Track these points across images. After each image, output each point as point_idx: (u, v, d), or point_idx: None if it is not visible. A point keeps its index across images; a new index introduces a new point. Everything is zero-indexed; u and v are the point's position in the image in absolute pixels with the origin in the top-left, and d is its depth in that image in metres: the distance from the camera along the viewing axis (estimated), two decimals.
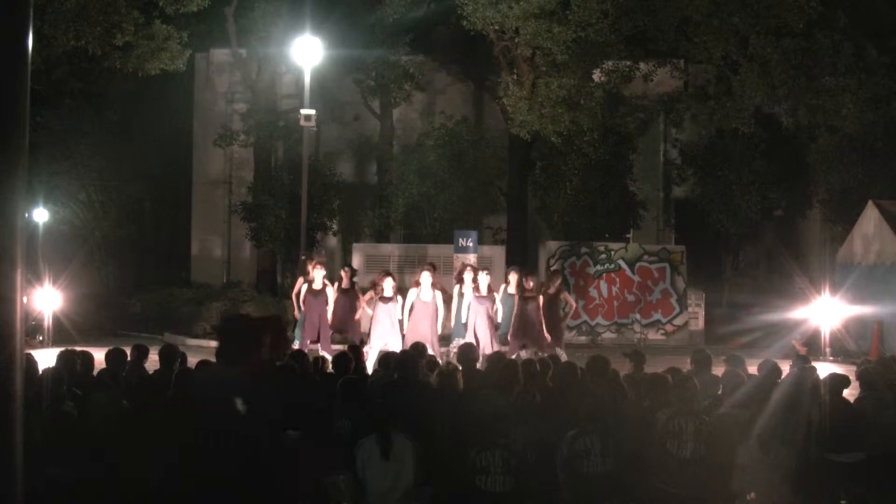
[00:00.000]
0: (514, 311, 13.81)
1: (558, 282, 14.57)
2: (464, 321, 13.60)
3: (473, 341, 12.75)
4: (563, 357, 12.61)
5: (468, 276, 13.79)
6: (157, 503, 6.01)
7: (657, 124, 26.08)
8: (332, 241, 25.79)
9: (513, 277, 14.23)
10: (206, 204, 27.42)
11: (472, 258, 17.00)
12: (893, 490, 7.00)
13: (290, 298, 15.47)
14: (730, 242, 24.30)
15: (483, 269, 14.10)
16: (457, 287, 14.06)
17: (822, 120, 20.94)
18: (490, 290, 13.74)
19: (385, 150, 25.35)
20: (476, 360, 8.96)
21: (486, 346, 13.02)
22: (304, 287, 14.15)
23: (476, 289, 13.61)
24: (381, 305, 13.41)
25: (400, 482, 5.99)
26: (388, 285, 13.43)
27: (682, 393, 6.63)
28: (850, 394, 7.65)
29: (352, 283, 14.51)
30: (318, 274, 13.97)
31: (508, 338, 13.80)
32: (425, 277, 13.56)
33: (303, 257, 18.38)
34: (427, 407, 7.07)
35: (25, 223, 2.97)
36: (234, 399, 4.52)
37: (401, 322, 13.48)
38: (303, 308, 14.12)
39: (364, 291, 14.37)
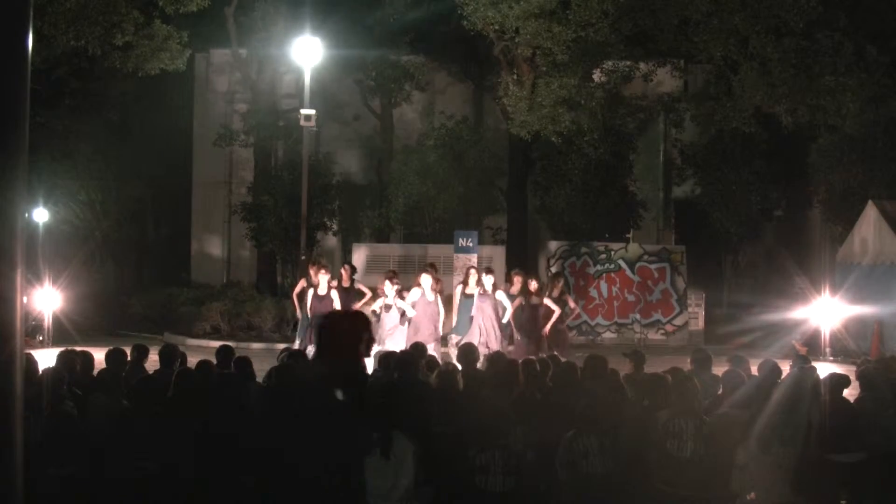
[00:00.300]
0: (522, 314, 13.82)
1: (560, 284, 14.59)
2: (470, 314, 13.56)
3: (476, 338, 12.74)
4: (563, 358, 12.63)
5: (472, 277, 13.76)
6: (157, 502, 6.02)
7: (657, 124, 26.07)
8: (332, 241, 25.79)
9: (517, 280, 14.24)
10: (206, 204, 27.41)
11: (472, 258, 17.01)
12: (893, 490, 7.00)
13: (290, 298, 15.48)
14: (730, 242, 24.28)
15: (486, 271, 14.09)
16: (460, 287, 14.05)
17: (822, 120, 20.93)
18: (495, 288, 13.75)
19: (385, 151, 25.36)
20: (476, 360, 8.95)
21: (489, 344, 13.02)
22: (310, 292, 14.10)
23: (482, 289, 13.62)
24: (382, 311, 13.50)
25: (400, 482, 5.98)
26: (388, 290, 13.47)
27: (682, 393, 6.63)
28: (849, 394, 7.65)
29: (352, 282, 14.54)
30: (322, 279, 13.94)
31: (515, 339, 13.80)
32: (425, 280, 13.58)
33: (303, 257, 18.39)
34: (427, 407, 7.07)
35: (25, 223, 2.97)
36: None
37: (407, 321, 13.49)
38: (308, 314, 14.09)
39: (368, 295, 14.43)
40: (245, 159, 26.22)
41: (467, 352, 8.89)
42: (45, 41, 18.56)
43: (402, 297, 13.55)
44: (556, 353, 13.33)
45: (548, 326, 13.76)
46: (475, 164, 23.05)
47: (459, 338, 13.17)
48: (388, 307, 13.41)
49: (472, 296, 13.60)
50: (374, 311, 13.83)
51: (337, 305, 13.85)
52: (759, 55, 20.47)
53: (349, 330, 4.65)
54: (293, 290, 15.11)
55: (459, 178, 22.69)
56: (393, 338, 13.23)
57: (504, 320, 13.75)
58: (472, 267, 14.69)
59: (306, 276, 14.67)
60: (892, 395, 7.60)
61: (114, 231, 26.88)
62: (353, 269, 15.02)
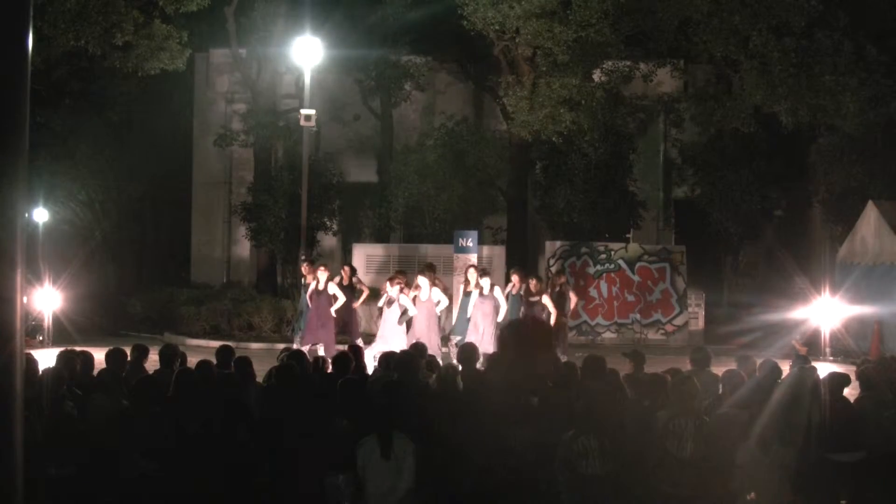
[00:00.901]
0: (521, 313, 13.85)
1: (561, 282, 14.60)
2: (468, 316, 13.61)
3: (474, 338, 12.76)
4: (564, 358, 12.66)
5: (472, 276, 13.80)
6: (157, 502, 6.02)
7: (657, 124, 26.07)
8: (332, 241, 25.79)
9: (514, 278, 14.25)
10: (206, 204, 27.41)
11: (472, 258, 17.03)
12: (893, 490, 6.99)
13: (289, 298, 15.53)
14: (730, 242, 24.29)
15: (482, 273, 14.12)
16: (462, 286, 14.10)
17: (823, 119, 20.92)
18: (493, 287, 13.78)
19: (385, 150, 25.36)
20: (476, 359, 8.94)
21: (488, 345, 13.03)
22: (311, 287, 14.14)
23: (480, 290, 13.65)
24: (384, 309, 13.58)
25: (400, 482, 5.99)
26: (390, 290, 13.53)
27: (682, 393, 6.63)
28: (849, 394, 7.65)
29: (351, 282, 14.59)
30: (322, 276, 14.00)
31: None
32: (423, 282, 13.67)
33: (303, 257, 18.39)
34: (427, 407, 7.07)
35: (25, 223, 2.97)
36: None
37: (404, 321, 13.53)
38: (309, 307, 14.12)
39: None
40: (245, 159, 26.21)
41: (467, 352, 8.87)
42: (45, 41, 18.56)
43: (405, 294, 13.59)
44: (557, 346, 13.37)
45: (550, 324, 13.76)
46: (475, 164, 23.05)
47: (459, 338, 13.19)
48: (390, 302, 13.46)
49: (470, 293, 13.66)
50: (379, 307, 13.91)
51: (340, 298, 13.98)
52: (759, 55, 20.47)
53: (532, 337, 4.73)
54: (294, 290, 15.14)
55: (459, 178, 22.68)
56: (394, 338, 13.25)
57: (498, 318, 13.75)
58: (472, 266, 14.72)
59: (303, 278, 14.73)
60: (892, 395, 7.60)
61: (114, 231, 26.88)
62: (354, 271, 15.07)
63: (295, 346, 13.27)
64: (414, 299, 13.59)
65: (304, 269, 14.80)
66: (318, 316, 13.93)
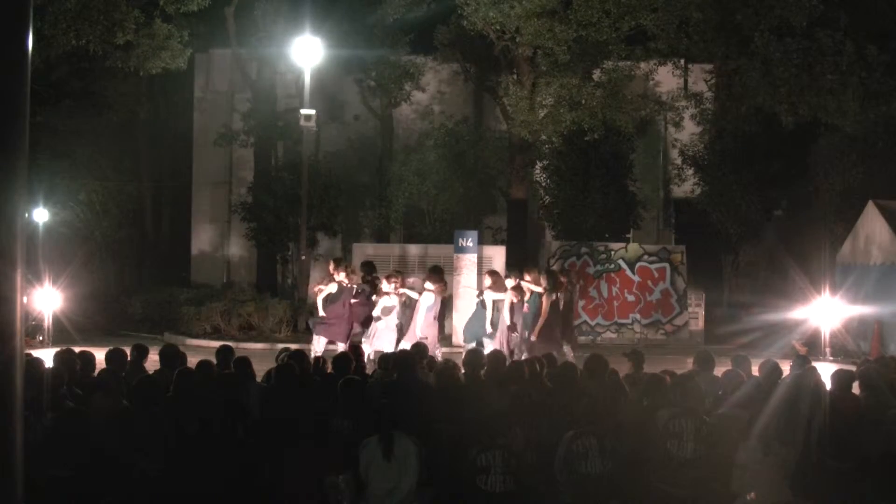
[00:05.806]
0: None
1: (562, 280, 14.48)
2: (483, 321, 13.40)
3: (502, 343, 12.70)
4: (570, 354, 12.75)
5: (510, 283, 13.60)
6: (157, 502, 6.02)
7: (657, 124, 26.06)
8: (333, 241, 25.78)
9: (528, 278, 14.17)
10: (206, 204, 27.42)
11: (472, 258, 16.98)
12: (894, 492, 6.99)
13: (289, 299, 15.48)
14: (730, 242, 24.27)
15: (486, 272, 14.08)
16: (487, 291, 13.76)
17: (823, 119, 20.91)
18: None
19: (385, 150, 25.35)
20: (483, 365, 8.83)
21: (513, 348, 13.03)
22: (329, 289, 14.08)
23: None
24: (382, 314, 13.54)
25: (402, 483, 5.99)
26: (386, 287, 13.50)
27: (683, 393, 6.64)
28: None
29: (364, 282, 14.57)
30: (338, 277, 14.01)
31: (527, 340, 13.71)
32: (429, 284, 13.62)
33: (302, 257, 18.38)
34: (427, 407, 7.08)
35: (25, 223, 2.97)
36: None
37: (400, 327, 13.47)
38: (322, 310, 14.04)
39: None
40: (245, 159, 26.22)
41: (474, 357, 8.81)
42: (45, 41, 18.53)
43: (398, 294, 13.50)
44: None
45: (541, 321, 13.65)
46: (475, 164, 23.04)
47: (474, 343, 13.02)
48: (387, 310, 13.33)
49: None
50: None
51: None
52: (760, 54, 20.46)
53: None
54: (294, 290, 14.99)
55: (459, 178, 22.67)
56: (380, 339, 13.21)
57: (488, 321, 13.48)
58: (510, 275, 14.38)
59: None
60: (893, 395, 7.60)
61: (114, 231, 26.87)
62: (370, 268, 15.07)
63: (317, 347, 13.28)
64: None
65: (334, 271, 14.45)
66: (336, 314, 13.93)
